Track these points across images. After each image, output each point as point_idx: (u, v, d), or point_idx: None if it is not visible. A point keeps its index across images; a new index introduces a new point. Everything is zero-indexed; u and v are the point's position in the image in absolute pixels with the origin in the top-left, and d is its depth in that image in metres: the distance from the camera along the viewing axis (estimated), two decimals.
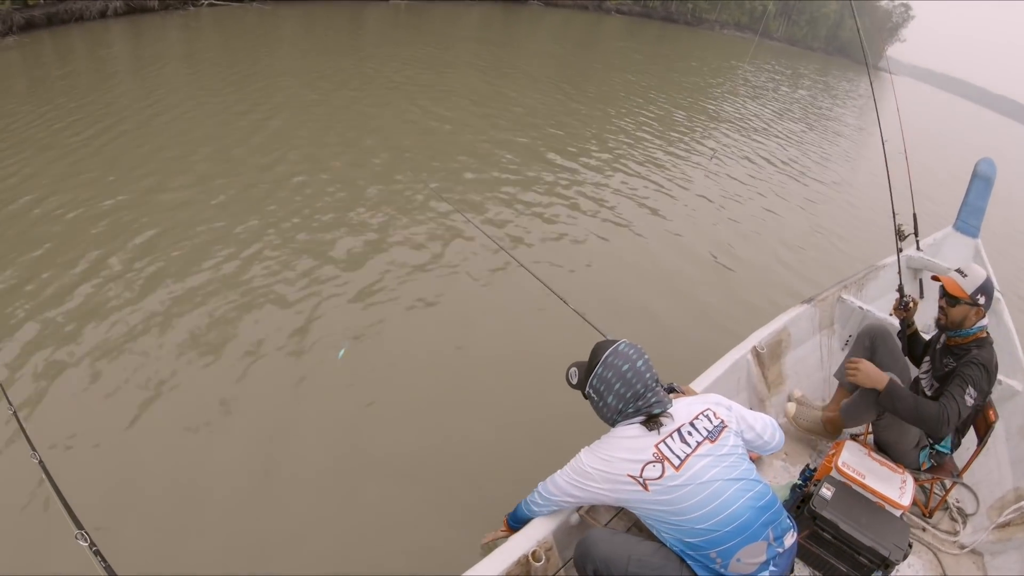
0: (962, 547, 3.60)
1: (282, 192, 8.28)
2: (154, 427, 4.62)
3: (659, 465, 2.39)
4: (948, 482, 3.73)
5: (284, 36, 22.46)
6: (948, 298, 3.56)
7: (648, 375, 2.52)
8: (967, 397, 3.34)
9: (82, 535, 1.91)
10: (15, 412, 2.61)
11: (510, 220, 8.38)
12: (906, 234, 4.91)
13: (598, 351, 2.61)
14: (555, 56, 26.22)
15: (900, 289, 4.31)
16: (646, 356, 2.58)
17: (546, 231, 8.24)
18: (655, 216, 9.56)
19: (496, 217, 8.40)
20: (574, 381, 2.71)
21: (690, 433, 2.49)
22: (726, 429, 2.54)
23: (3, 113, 10.44)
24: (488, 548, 2.72)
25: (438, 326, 6.02)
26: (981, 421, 3.67)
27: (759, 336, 4.42)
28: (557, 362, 3.52)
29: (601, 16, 51.24)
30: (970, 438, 3.78)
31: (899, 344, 4.15)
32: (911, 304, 4.14)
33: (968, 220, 6.43)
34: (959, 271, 3.58)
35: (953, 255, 6.28)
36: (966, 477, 3.75)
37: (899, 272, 4.58)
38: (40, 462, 2.25)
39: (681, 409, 2.57)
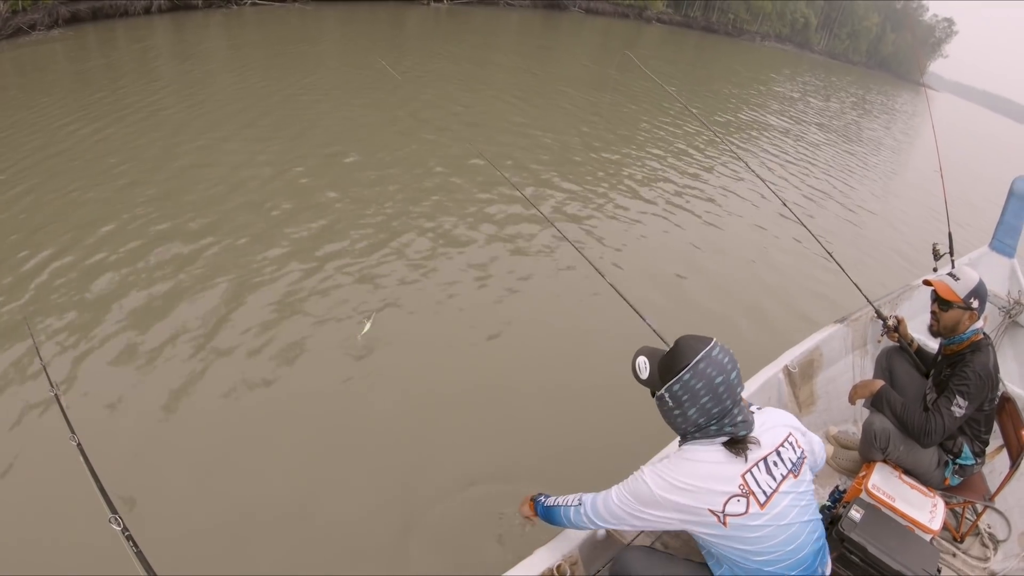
0: (992, 574, 3.55)
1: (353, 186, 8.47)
2: (195, 414, 4.73)
3: (744, 500, 2.11)
4: (980, 506, 3.67)
5: (324, 37, 22.80)
6: (940, 302, 3.52)
7: (739, 389, 2.17)
8: (955, 408, 3.32)
9: (115, 519, 1.94)
10: (56, 394, 2.62)
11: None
12: (941, 253, 4.86)
13: (686, 352, 2.16)
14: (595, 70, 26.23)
15: (879, 313, 4.36)
16: (738, 366, 2.19)
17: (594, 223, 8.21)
18: (682, 229, 9.57)
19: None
20: (644, 375, 2.30)
21: (775, 464, 2.20)
22: (805, 461, 2.30)
23: (41, 104, 10.88)
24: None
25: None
26: (1014, 442, 3.61)
27: (791, 355, 4.37)
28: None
29: (641, 25, 51.45)
30: (1003, 460, 3.73)
31: (913, 363, 4.15)
32: (895, 323, 4.17)
33: (1004, 239, 6.31)
34: (951, 275, 3.54)
35: (989, 275, 6.16)
36: (998, 501, 3.68)
37: (866, 299, 4.65)
38: (78, 444, 2.27)
39: (766, 433, 2.25)
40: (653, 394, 2.27)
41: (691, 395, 2.12)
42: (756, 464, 2.15)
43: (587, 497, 2.41)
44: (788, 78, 39.36)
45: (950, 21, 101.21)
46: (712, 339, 2.19)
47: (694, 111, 5.80)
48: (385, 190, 8.78)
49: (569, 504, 2.47)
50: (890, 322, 4.17)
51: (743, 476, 2.12)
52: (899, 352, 4.19)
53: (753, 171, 6.16)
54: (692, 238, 9.18)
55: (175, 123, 10.57)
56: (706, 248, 8.92)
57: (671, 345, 2.26)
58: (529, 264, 7.31)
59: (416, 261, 7.05)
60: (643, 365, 2.29)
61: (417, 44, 23.64)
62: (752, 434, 2.18)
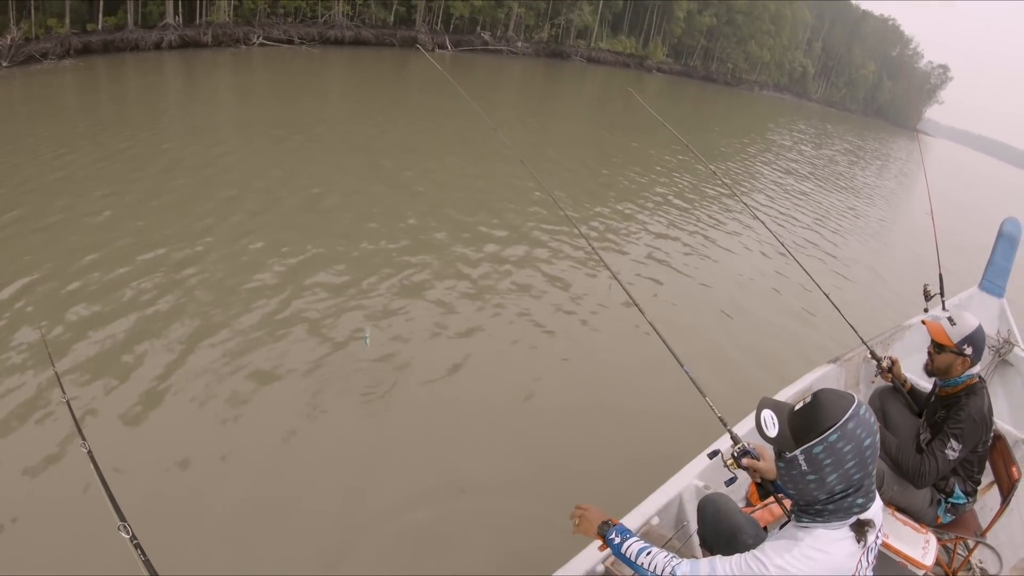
0: None
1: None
2: (205, 428, 4.86)
3: None
4: (972, 542, 3.69)
5: (330, 80, 23.46)
6: (934, 344, 3.53)
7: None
8: (948, 451, 3.33)
9: (124, 527, 1.93)
10: (68, 401, 2.59)
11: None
12: (932, 294, 4.93)
13: (831, 410, 1.88)
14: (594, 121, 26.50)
15: (873, 354, 4.31)
16: None
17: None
18: (675, 272, 9.67)
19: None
20: (772, 432, 1.99)
21: (871, 549, 1.96)
22: None
23: (45, 133, 11.36)
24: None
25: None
26: (1004, 479, 3.65)
27: (783, 396, 4.34)
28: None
29: (642, 74, 52.47)
30: (994, 496, 3.77)
31: (906, 402, 4.16)
32: (889, 363, 4.15)
33: (994, 280, 6.40)
34: (949, 319, 3.54)
35: (979, 315, 6.15)
36: (989, 537, 3.70)
37: (860, 339, 4.61)
38: (89, 452, 2.25)
39: (877, 514, 1.99)
40: (779, 455, 2.00)
41: (836, 459, 1.84)
42: (866, 551, 1.93)
43: (683, 570, 2.09)
44: (783, 127, 39.88)
45: (945, 67, 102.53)
46: (854, 395, 1.91)
47: (708, 160, 5.92)
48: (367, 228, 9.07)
49: (660, 572, 2.13)
50: (884, 363, 4.15)
51: (856, 564, 1.91)
52: (892, 392, 4.20)
53: (755, 215, 6.20)
54: (676, 281, 9.31)
55: (173, 160, 10.92)
56: (685, 290, 9.06)
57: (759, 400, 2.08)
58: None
59: (405, 293, 7.28)
60: (770, 421, 2.00)
61: (419, 96, 24.02)
62: (872, 516, 1.93)
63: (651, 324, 3.39)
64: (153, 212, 8.38)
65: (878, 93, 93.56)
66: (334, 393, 5.35)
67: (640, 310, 3.47)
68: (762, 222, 5.89)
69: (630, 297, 3.53)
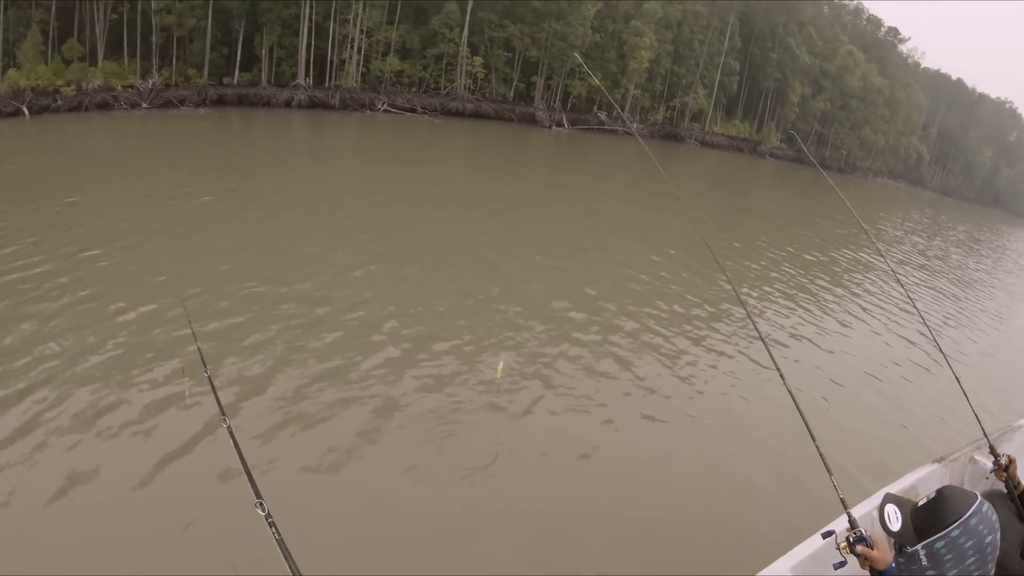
0: None
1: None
2: (344, 424, 5.59)
3: None
4: None
5: (450, 149, 24.52)
6: None
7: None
8: None
9: (260, 504, 2.04)
10: (210, 378, 2.80)
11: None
12: None
13: (955, 506, 1.93)
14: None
15: (992, 450, 4.07)
16: None
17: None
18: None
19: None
20: (895, 527, 2.06)
21: None
22: None
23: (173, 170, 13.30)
24: None
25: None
26: None
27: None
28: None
29: (755, 159, 52.43)
30: None
31: (1015, 509, 3.88)
32: (1007, 461, 3.89)
33: None
34: None
35: None
36: None
37: (985, 434, 4.31)
38: (229, 428, 2.41)
39: None
40: (900, 550, 2.05)
41: (957, 555, 1.87)
42: None
43: None
44: (895, 216, 38.85)
45: None
46: (976, 494, 1.97)
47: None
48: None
49: None
50: (1003, 460, 3.89)
51: None
52: (999, 497, 3.94)
53: (913, 305, 6.09)
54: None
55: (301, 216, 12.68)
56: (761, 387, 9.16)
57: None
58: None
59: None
60: (893, 515, 2.07)
61: (534, 169, 24.91)
62: None
63: (790, 392, 3.50)
64: (275, 253, 10.00)
65: (995, 179, 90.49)
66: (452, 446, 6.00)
67: (781, 376, 3.64)
68: (917, 310, 5.87)
69: (775, 364, 3.73)
